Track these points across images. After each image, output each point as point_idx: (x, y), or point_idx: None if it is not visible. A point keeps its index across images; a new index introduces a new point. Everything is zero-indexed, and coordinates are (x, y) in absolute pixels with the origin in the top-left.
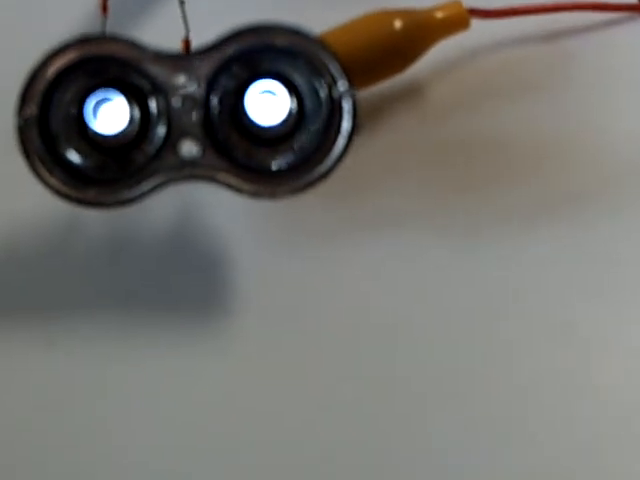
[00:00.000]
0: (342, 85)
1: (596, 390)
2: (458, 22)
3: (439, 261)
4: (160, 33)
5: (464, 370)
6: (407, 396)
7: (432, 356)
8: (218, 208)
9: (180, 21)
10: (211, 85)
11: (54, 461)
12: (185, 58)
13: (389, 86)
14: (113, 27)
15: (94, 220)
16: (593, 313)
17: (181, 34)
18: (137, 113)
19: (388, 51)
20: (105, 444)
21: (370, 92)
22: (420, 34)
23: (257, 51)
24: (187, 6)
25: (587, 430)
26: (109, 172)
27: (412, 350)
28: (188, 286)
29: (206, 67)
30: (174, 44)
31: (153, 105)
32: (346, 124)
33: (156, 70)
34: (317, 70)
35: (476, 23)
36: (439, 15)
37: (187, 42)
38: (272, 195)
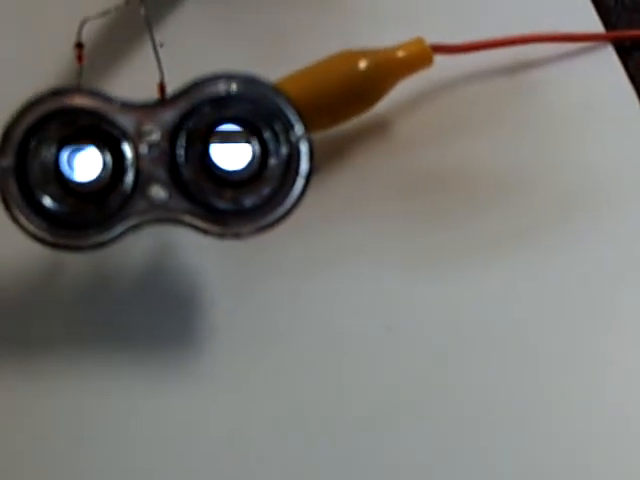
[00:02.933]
0: (299, 130)
1: (559, 414)
2: (421, 60)
3: (405, 292)
4: (136, 78)
5: (429, 398)
6: (375, 426)
7: (397, 384)
8: (191, 247)
9: (155, 65)
10: (176, 133)
11: None
12: (150, 108)
13: (355, 121)
14: (90, 75)
15: (75, 261)
16: (557, 338)
17: (157, 78)
18: (109, 159)
19: (353, 91)
20: (84, 473)
21: (337, 128)
22: (384, 73)
23: (218, 99)
24: (163, 51)
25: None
26: (84, 217)
27: (379, 379)
28: (163, 323)
29: (170, 116)
30: (150, 87)
31: (126, 149)
32: (304, 166)
33: (124, 120)
34: (275, 116)
35: (441, 58)
36: (402, 54)
37: (162, 86)
38: (236, 236)
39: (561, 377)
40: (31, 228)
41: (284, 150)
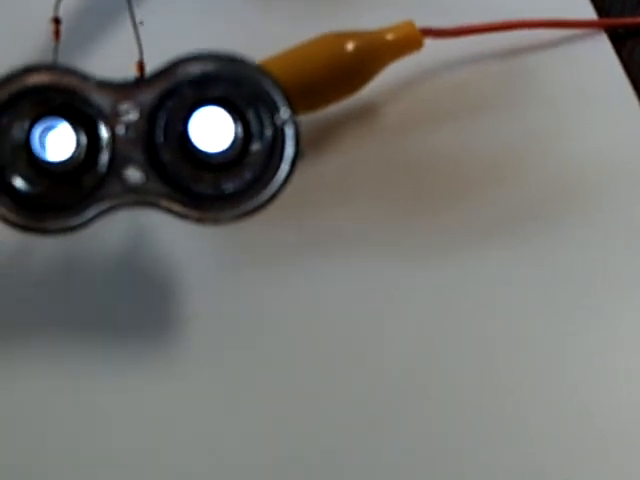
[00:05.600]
0: (284, 112)
1: (548, 404)
2: (410, 43)
3: (392, 279)
4: (114, 55)
5: (415, 387)
6: (359, 418)
7: (382, 372)
8: (167, 231)
9: (134, 43)
10: (154, 113)
11: None
12: (129, 87)
13: (343, 106)
14: (66, 52)
15: (45, 245)
16: (544, 325)
17: (136, 56)
18: (84, 140)
19: (340, 73)
20: (55, 466)
21: (324, 112)
22: (372, 56)
23: (200, 79)
24: (142, 29)
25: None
26: (56, 199)
27: (364, 369)
28: (139, 309)
29: (149, 95)
30: (128, 66)
31: (102, 130)
32: (289, 150)
33: (100, 98)
34: (260, 98)
35: (431, 42)
36: (391, 36)
37: (141, 64)
38: (216, 221)
39: (549, 368)
40: (0, 210)
41: (268, 133)
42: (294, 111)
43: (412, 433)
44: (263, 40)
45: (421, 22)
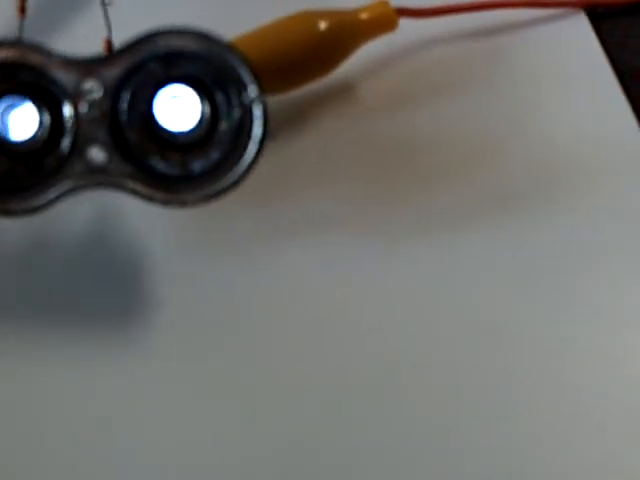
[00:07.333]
0: (252, 91)
1: (521, 390)
2: (385, 23)
3: (366, 265)
4: (81, 34)
5: (395, 373)
6: (335, 404)
7: (358, 359)
8: (134, 212)
9: (103, 22)
10: (118, 91)
11: None
12: (92, 64)
13: (318, 86)
14: (32, 29)
15: (7, 226)
16: (522, 312)
17: (103, 34)
18: (47, 119)
19: (312, 53)
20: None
21: (299, 92)
22: (345, 36)
23: (166, 56)
24: (112, 8)
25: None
26: (17, 179)
27: (335, 354)
28: (104, 294)
29: (114, 73)
30: (96, 45)
31: (66, 110)
32: (257, 130)
33: (63, 76)
34: (227, 75)
35: (406, 21)
36: (365, 16)
37: (109, 42)
38: (182, 203)
39: (533, 353)
40: None
41: (236, 113)
42: (263, 90)
43: (404, 424)
44: (236, 18)
45: (397, 1)
